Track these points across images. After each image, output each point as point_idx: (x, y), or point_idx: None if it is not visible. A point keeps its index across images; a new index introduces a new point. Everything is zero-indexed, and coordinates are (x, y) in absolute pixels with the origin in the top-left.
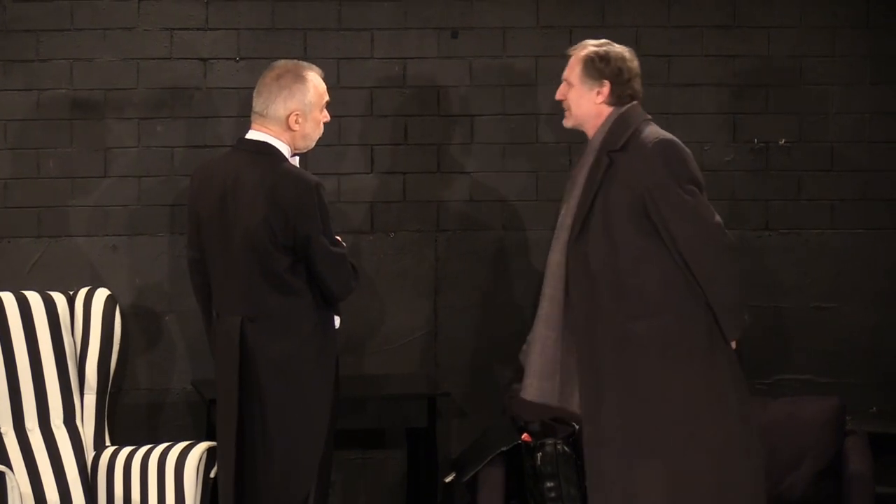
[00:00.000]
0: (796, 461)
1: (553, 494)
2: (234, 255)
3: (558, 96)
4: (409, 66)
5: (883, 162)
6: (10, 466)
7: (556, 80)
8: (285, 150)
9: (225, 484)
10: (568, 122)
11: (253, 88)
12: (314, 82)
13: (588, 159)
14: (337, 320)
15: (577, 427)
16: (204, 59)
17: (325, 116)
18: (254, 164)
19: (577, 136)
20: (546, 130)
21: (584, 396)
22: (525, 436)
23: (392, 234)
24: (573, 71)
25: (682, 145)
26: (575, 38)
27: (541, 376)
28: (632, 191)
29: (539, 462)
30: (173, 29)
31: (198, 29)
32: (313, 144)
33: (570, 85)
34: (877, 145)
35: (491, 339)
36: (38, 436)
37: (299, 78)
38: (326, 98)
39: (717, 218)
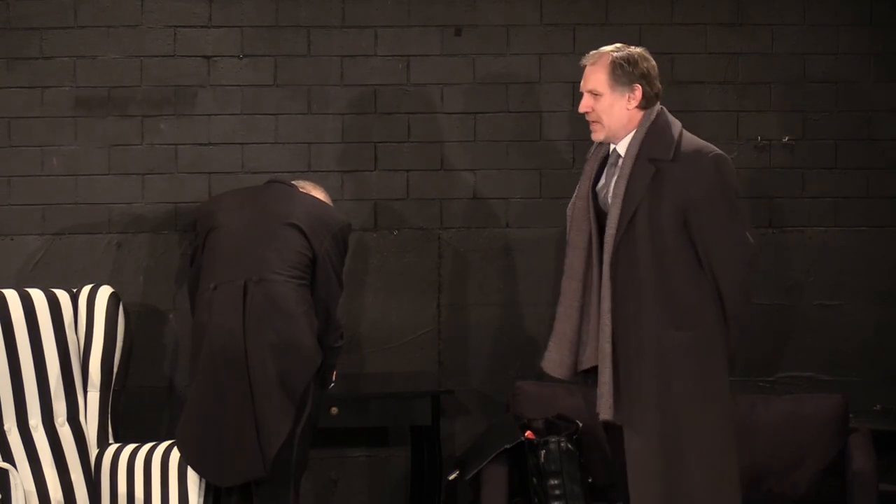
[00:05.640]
0: (799, 459)
1: (557, 492)
2: (262, 227)
3: (583, 109)
4: (412, 63)
5: (886, 159)
6: (13, 464)
7: (560, 78)
8: None
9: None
10: (599, 135)
11: (256, 86)
12: None
13: (625, 167)
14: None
15: (580, 425)
16: (207, 57)
17: None
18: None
19: (581, 133)
20: (549, 128)
21: (619, 402)
22: (528, 433)
23: (395, 232)
24: (599, 80)
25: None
26: (578, 36)
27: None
28: (680, 201)
29: (543, 459)
30: (177, 26)
31: (201, 26)
32: None
33: (596, 95)
34: (880, 143)
35: (494, 336)
36: (41, 433)
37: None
38: None
39: (751, 239)
